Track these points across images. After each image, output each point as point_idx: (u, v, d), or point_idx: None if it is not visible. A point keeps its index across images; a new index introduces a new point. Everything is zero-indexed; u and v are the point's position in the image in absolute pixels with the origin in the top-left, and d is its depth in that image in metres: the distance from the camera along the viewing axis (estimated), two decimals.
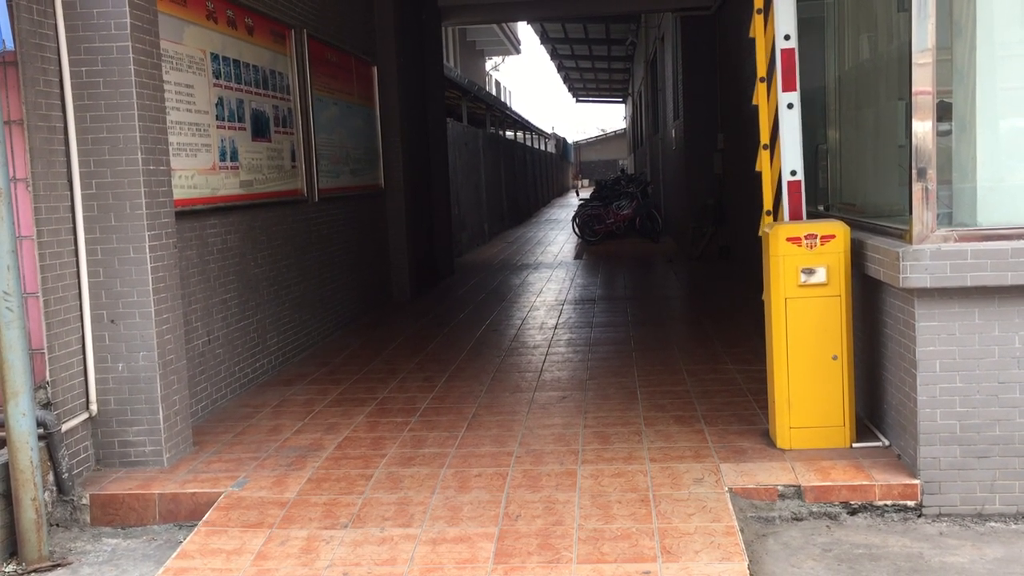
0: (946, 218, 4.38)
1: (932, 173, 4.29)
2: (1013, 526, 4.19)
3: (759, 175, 5.35)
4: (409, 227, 11.29)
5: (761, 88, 5.25)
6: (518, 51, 40.85)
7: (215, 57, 6.40)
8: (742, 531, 4.06)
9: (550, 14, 19.85)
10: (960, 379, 4.26)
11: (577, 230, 20.38)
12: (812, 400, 4.81)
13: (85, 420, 4.93)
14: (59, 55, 4.79)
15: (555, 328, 8.94)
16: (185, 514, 4.62)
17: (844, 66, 6.51)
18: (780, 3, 5.04)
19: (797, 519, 4.35)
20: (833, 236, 4.75)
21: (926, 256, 4.18)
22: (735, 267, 12.73)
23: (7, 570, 4.14)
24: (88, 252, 4.91)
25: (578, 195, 27.22)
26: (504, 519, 4.18)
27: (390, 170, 11.02)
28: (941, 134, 4.40)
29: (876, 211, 5.53)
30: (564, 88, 41.80)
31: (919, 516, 4.32)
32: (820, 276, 4.75)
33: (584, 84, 39.92)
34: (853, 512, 4.36)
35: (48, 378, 4.63)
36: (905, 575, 3.77)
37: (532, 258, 16.71)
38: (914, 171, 4.32)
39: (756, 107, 5.44)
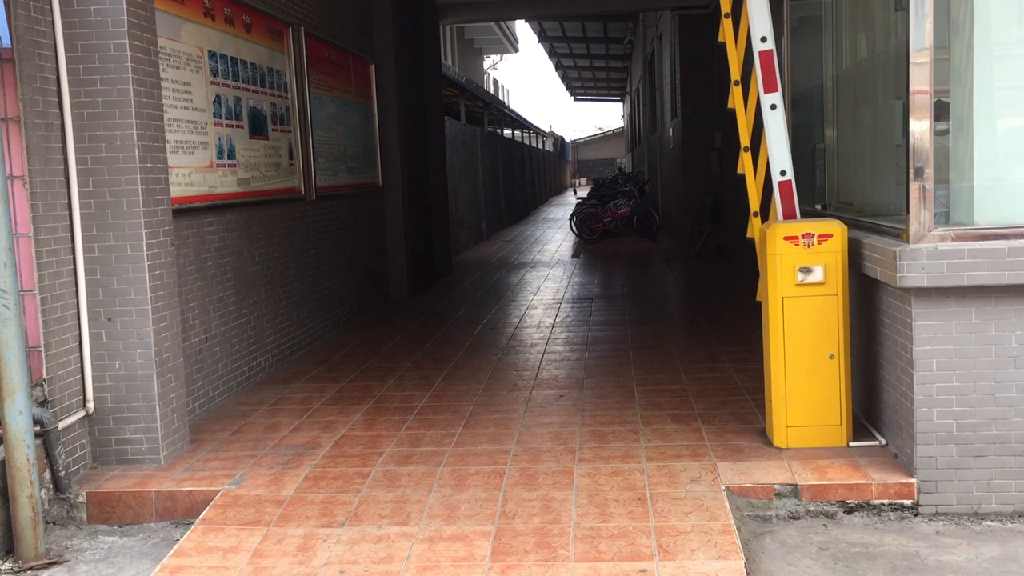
0: (943, 217, 4.39)
1: (929, 172, 4.29)
2: (1009, 525, 4.19)
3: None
4: (407, 225, 11.29)
5: (736, 91, 5.26)
6: (516, 49, 40.83)
7: (213, 55, 6.40)
8: (739, 529, 4.06)
9: (548, 12, 19.85)
10: (957, 378, 4.27)
11: (575, 228, 20.37)
12: (809, 399, 4.82)
13: (82, 418, 4.92)
14: (56, 52, 4.78)
15: (552, 327, 8.94)
16: (182, 512, 4.61)
17: (842, 65, 6.51)
18: (754, 6, 5.05)
19: (794, 518, 4.35)
20: (830, 235, 4.76)
21: (923, 255, 4.18)
22: (732, 266, 12.73)
23: (3, 568, 4.14)
24: (85, 249, 4.91)
25: (576, 194, 27.21)
26: (501, 517, 4.18)
27: (388, 168, 11.01)
28: (938, 133, 4.41)
29: (873, 210, 5.53)
30: (562, 87, 41.80)
31: (916, 515, 4.32)
32: (817, 275, 4.75)
33: (582, 83, 39.94)
34: (850, 511, 4.36)
35: (45, 376, 4.63)
36: (902, 574, 3.77)
37: (530, 256, 16.71)
38: (911, 170, 4.33)
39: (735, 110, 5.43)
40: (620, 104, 51.05)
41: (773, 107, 5.06)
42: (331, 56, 9.10)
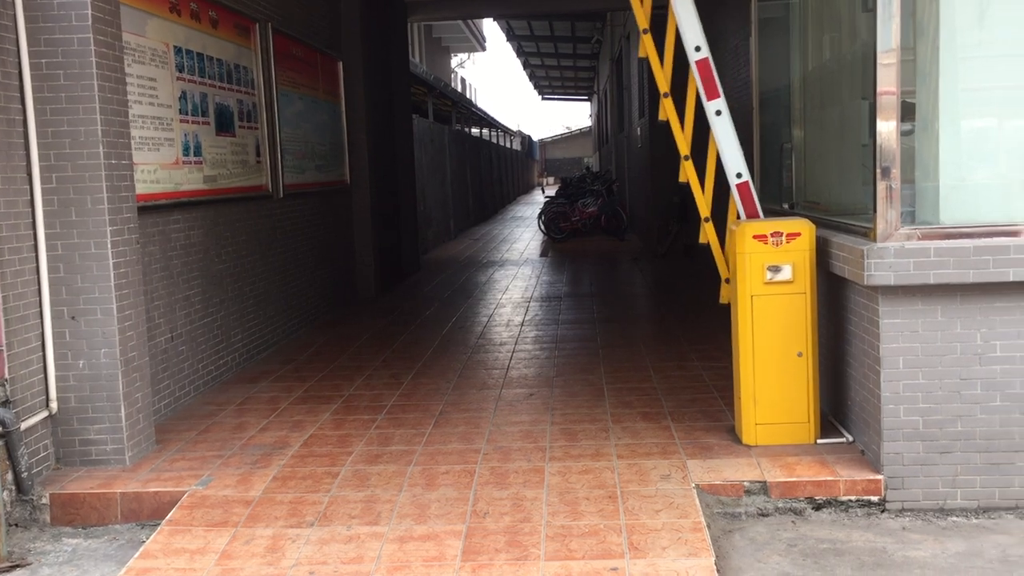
0: (909, 216, 4.44)
1: (896, 172, 4.34)
2: (974, 520, 4.25)
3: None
4: (375, 223, 11.23)
5: (666, 103, 5.30)
6: (484, 48, 40.79)
7: (178, 50, 6.31)
8: (709, 527, 4.08)
9: (516, 11, 19.86)
10: (923, 376, 4.32)
11: (543, 227, 20.40)
12: (777, 397, 4.85)
13: (45, 418, 4.84)
14: (18, 47, 4.69)
15: (522, 325, 8.94)
16: (148, 513, 4.55)
17: (809, 65, 6.57)
18: (684, 19, 5.09)
19: (763, 515, 4.38)
20: (799, 234, 4.79)
21: (890, 254, 4.22)
22: (700, 265, 12.80)
23: None
24: (48, 247, 4.82)
25: (544, 192, 27.23)
26: (472, 516, 4.17)
27: (356, 166, 10.95)
28: (904, 134, 4.46)
29: (840, 209, 5.59)
30: (530, 86, 41.83)
31: (882, 511, 4.37)
32: (786, 273, 4.79)
33: (550, 82, 39.99)
34: (818, 507, 4.40)
35: (7, 375, 4.54)
36: (869, 570, 3.81)
37: (498, 255, 16.70)
38: (878, 170, 4.37)
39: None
40: (588, 103, 51.18)
41: (718, 113, 5.10)
42: (299, 53, 9.03)
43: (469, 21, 32.87)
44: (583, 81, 38.01)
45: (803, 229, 4.80)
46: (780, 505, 4.41)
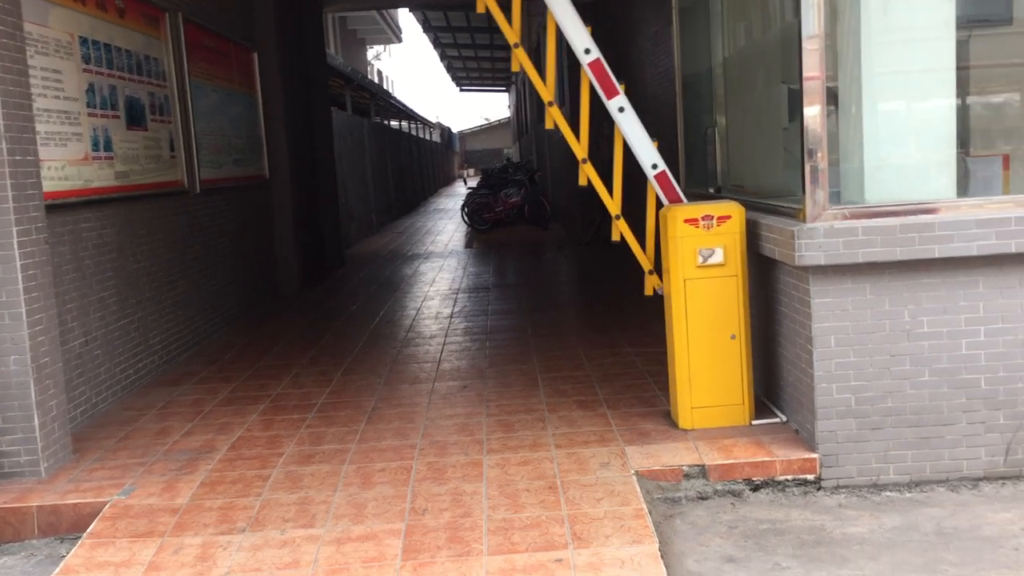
0: (835, 197, 4.47)
1: (823, 154, 4.37)
2: (907, 495, 4.32)
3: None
4: (295, 218, 10.98)
5: (552, 112, 5.32)
6: (400, 40, 40.36)
7: (84, 41, 6.02)
8: (650, 513, 4.05)
9: (431, 1, 19.65)
10: (854, 353, 4.37)
11: (466, 219, 20.30)
12: (712, 380, 4.86)
13: None
14: None
15: (451, 317, 8.83)
16: (67, 526, 4.32)
17: (729, 51, 6.60)
18: (568, 25, 5.08)
19: (703, 498, 4.38)
20: (729, 216, 4.80)
21: (819, 234, 4.25)
22: (624, 253, 12.87)
23: None
24: None
25: (465, 184, 27.12)
26: (411, 514, 4.06)
27: (275, 160, 10.68)
28: (829, 116, 4.49)
29: (765, 192, 5.63)
30: (447, 77, 41.58)
31: (818, 489, 4.41)
32: (718, 256, 4.79)
33: (467, 73, 39.78)
34: (756, 488, 4.42)
35: None
36: (809, 548, 3.83)
37: (422, 248, 16.54)
38: (805, 152, 4.39)
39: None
40: (506, 94, 51.14)
41: (621, 110, 5.10)
42: (211, 43, 8.74)
43: (384, 12, 32.47)
44: (501, 72, 37.91)
45: (733, 212, 4.80)
46: (719, 488, 4.41)
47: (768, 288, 4.99)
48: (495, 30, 26.58)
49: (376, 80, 40.93)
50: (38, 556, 4.18)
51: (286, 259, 10.85)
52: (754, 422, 4.89)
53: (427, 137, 42.51)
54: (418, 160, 34.47)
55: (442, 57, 33.28)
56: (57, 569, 3.80)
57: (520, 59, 5.25)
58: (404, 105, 32.28)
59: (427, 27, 25.03)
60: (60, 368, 4.97)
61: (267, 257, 10.37)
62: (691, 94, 7.42)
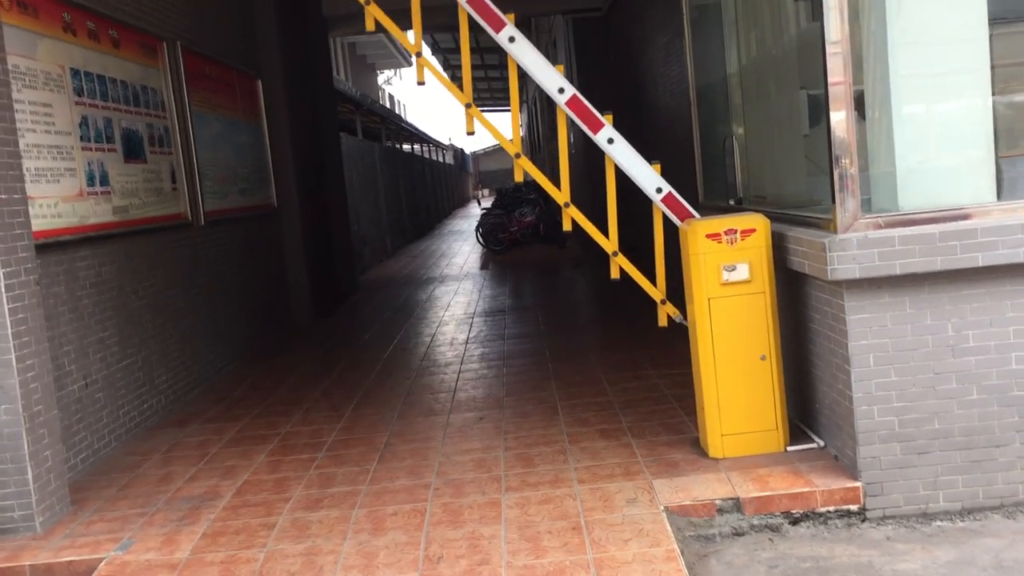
0: (866, 205, 4.18)
1: (852, 160, 4.08)
2: (960, 524, 3.99)
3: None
4: (306, 246, 10.76)
5: (521, 162, 5.11)
6: (410, 63, 40.38)
7: (76, 73, 5.83)
8: (683, 553, 3.76)
9: (438, 23, 19.50)
10: (895, 372, 4.06)
11: (481, 240, 20.05)
12: (743, 404, 4.56)
13: None
14: None
15: (466, 343, 8.56)
16: None
17: (745, 58, 6.34)
18: (535, 68, 4.90)
19: (738, 534, 4.07)
20: (753, 230, 4.51)
21: (853, 245, 3.96)
22: (643, 267, 12.59)
23: None
24: None
25: (480, 205, 26.88)
26: (424, 563, 3.78)
27: (283, 188, 10.46)
28: (857, 120, 4.21)
29: (787, 202, 5.35)
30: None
31: (863, 520, 4.09)
32: (743, 272, 4.50)
33: (478, 94, 39.68)
34: (795, 522, 4.11)
35: None
36: None
37: (437, 271, 16.30)
38: (833, 159, 4.11)
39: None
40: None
41: (611, 141, 4.88)
42: (213, 72, 8.55)
43: (392, 36, 32.46)
44: None
45: (758, 225, 4.52)
46: (755, 522, 4.10)
47: (798, 304, 4.69)
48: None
49: (387, 104, 40.92)
50: None
51: (298, 288, 10.62)
52: (789, 448, 4.58)
53: (440, 159, 42.42)
54: (431, 182, 34.33)
55: (452, 79, 33.20)
56: None
57: (481, 121, 5.14)
58: (415, 128, 32.18)
59: (436, 49, 24.91)
60: (56, 416, 4.74)
61: (278, 287, 10.15)
62: (706, 104, 7.15)
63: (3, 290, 4.38)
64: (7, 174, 4.51)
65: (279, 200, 10.40)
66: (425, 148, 36.82)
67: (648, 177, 4.89)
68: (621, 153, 4.90)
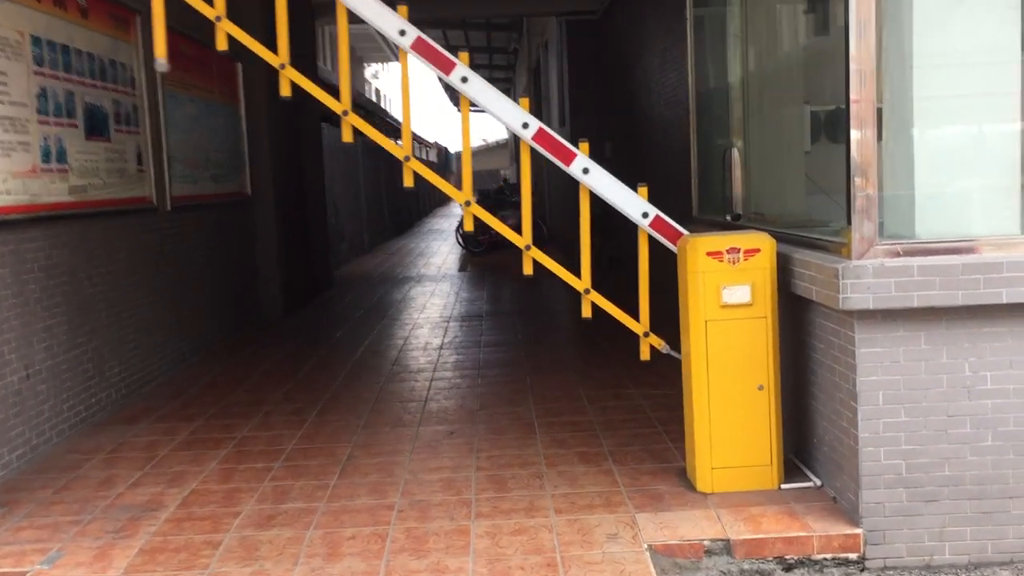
0: (879, 229, 3.87)
1: (872, 181, 3.77)
2: None
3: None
4: (280, 237, 10.35)
5: (472, 209, 5.00)
6: (397, 58, 39.98)
7: (37, 40, 5.42)
8: None
9: (428, 17, 19.13)
10: (905, 412, 3.75)
11: (461, 241, 19.69)
12: (737, 436, 4.23)
13: None
14: None
15: (440, 348, 8.20)
16: None
17: (749, 69, 6.04)
18: (498, 111, 4.70)
19: None
20: (758, 250, 4.18)
21: (868, 273, 3.64)
22: (626, 278, 12.27)
23: None
24: None
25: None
26: None
27: (258, 176, 10.04)
28: (877, 141, 3.90)
29: (788, 221, 5.05)
30: (445, 97, 41.15)
31: (862, 570, 3.77)
32: (744, 295, 4.18)
33: None
34: (789, 568, 3.78)
35: None
36: None
37: (415, 270, 15.92)
38: (851, 179, 3.79)
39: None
40: None
41: (586, 171, 4.59)
42: (189, 51, 8.14)
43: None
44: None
45: (762, 244, 4.19)
46: (746, 567, 3.77)
47: (800, 332, 4.36)
48: (494, 50, 26.09)
49: (374, 99, 40.45)
50: None
51: (268, 281, 10.20)
52: (783, 486, 4.25)
53: (424, 157, 42.02)
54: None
55: (440, 78, 32.79)
56: None
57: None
58: (400, 124, 31.75)
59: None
60: None
61: (248, 279, 9.73)
62: (705, 114, 6.84)
63: None
64: None
65: (253, 188, 9.99)
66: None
67: (631, 202, 4.59)
68: (598, 181, 4.62)
